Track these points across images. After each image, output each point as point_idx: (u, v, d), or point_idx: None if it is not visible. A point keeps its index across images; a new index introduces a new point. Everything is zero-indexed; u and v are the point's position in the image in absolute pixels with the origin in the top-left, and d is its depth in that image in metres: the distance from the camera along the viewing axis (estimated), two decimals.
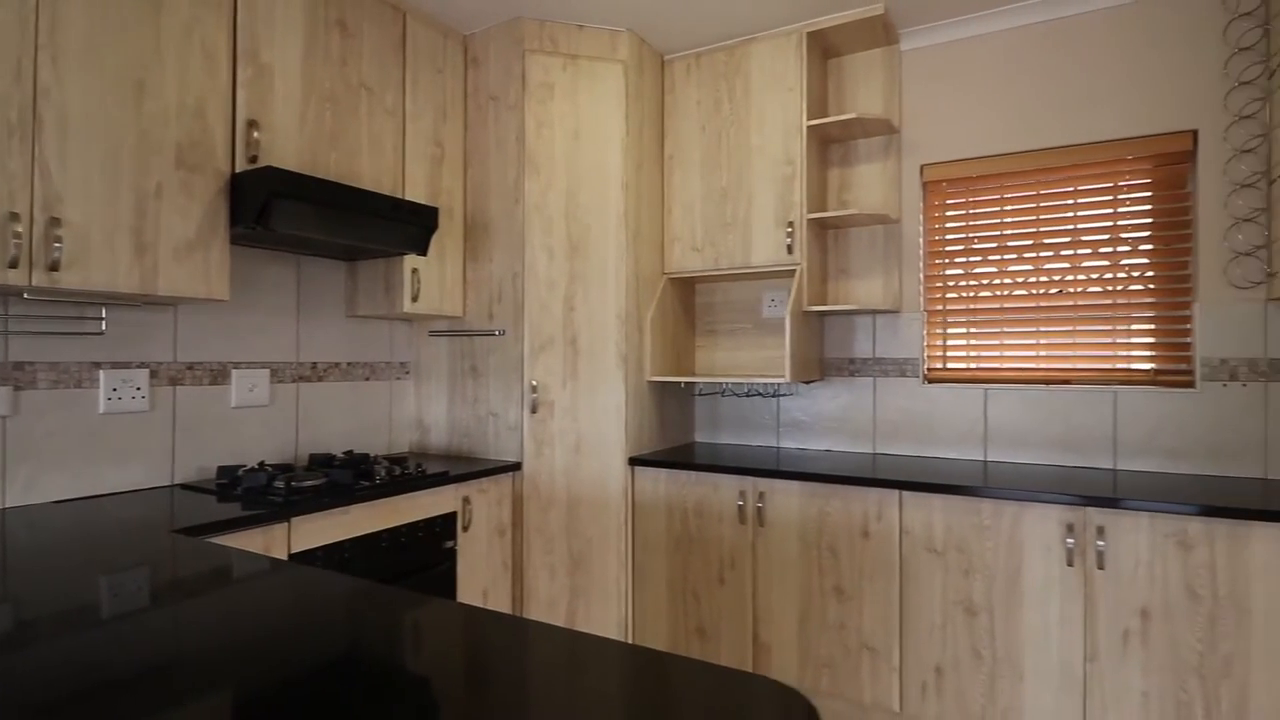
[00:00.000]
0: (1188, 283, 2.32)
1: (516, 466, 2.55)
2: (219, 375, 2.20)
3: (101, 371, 1.94)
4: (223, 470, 2.08)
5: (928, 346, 2.72)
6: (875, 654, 2.23)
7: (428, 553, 2.20)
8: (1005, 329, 2.61)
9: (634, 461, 2.64)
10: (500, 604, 2.48)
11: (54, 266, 1.56)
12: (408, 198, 2.44)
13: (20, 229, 1.51)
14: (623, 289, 2.64)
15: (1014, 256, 2.58)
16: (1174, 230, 2.35)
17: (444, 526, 2.26)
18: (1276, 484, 2.11)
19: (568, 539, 2.58)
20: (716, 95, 2.79)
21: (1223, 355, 2.23)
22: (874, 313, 2.77)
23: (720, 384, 3.01)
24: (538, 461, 2.57)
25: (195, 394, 2.15)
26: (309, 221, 1.99)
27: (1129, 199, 2.42)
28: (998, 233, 2.62)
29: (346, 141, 2.24)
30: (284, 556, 1.79)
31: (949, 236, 2.69)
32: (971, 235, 2.66)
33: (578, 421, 2.60)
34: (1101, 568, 1.93)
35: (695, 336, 3.14)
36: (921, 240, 2.72)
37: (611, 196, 2.64)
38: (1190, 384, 2.29)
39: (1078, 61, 2.44)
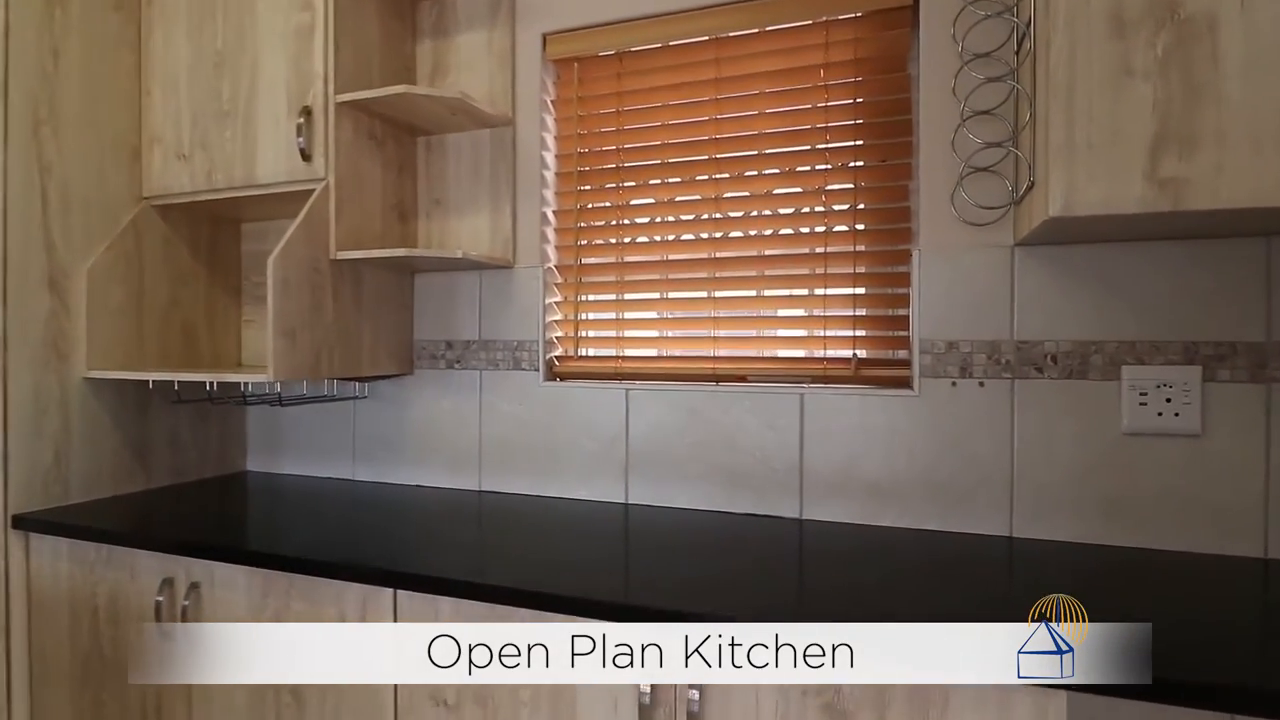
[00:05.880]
0: (907, 220, 1.45)
1: None
2: None
3: None
4: None
5: (559, 323, 1.74)
6: None
7: None
8: (666, 294, 1.66)
9: (20, 523, 1.47)
10: None
11: None
12: None
13: None
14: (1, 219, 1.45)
15: (679, 180, 1.64)
16: (890, 138, 1.47)
17: None
18: (1023, 547, 1.28)
19: None
20: None
21: (951, 336, 1.38)
22: (480, 268, 1.75)
23: (265, 386, 1.88)
24: None
25: None
26: None
27: (836, 87, 1.53)
28: (659, 142, 1.66)
29: None
30: None
31: (593, 149, 1.71)
32: (624, 148, 1.68)
33: None
34: None
35: (241, 305, 2.00)
36: (550, 156, 1.73)
37: None
38: (906, 382, 1.43)
39: None
